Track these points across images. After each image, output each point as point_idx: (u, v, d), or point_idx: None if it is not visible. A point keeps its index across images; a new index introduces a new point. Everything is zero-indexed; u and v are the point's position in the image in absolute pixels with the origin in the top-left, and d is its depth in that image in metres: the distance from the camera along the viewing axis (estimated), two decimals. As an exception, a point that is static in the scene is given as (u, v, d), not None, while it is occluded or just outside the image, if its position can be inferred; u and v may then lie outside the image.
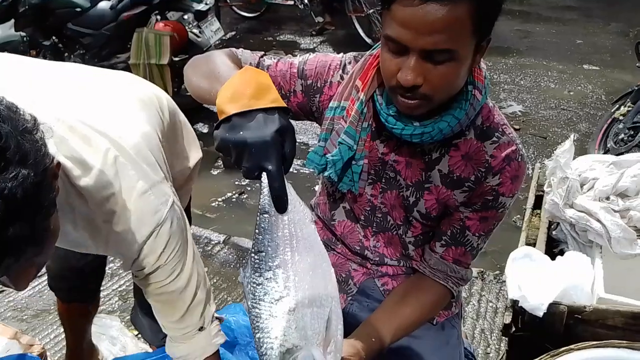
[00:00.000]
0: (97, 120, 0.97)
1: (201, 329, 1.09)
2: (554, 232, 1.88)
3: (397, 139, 1.07)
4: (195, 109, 4.21)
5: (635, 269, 1.66)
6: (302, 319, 0.80)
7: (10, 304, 2.46)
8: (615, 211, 1.68)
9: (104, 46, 4.05)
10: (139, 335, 2.01)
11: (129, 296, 2.44)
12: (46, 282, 1.69)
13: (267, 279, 0.80)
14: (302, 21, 6.29)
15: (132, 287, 1.59)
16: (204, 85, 0.96)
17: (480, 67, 1.03)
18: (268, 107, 0.76)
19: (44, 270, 1.62)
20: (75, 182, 0.91)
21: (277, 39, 6.09)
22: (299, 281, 0.80)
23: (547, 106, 4.37)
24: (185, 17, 4.08)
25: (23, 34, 4.01)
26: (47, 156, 0.74)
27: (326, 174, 1.10)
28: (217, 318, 1.14)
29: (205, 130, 4.08)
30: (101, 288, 2.47)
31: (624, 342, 1.29)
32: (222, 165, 3.64)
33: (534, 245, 1.75)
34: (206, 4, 4.08)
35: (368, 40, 5.40)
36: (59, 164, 0.80)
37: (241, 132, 0.74)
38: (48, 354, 1.79)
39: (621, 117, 3.12)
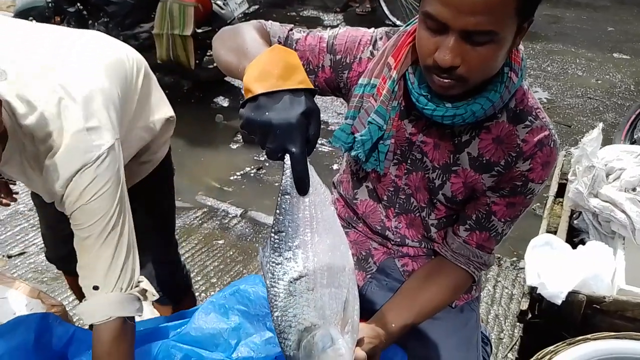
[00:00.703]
0: (54, 68, 1.06)
1: (95, 287, 1.07)
2: (575, 222, 1.85)
3: (426, 119, 1.05)
4: (217, 82, 4.22)
5: (658, 262, 1.63)
6: (321, 299, 0.81)
7: (30, 266, 2.53)
8: (641, 203, 1.65)
9: (127, 15, 4.04)
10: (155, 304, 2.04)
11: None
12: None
13: (286, 258, 0.81)
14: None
15: None
16: (232, 59, 0.95)
17: (518, 49, 0.99)
18: (295, 89, 0.75)
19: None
20: (21, 120, 1.01)
21: (301, 14, 6.03)
22: (317, 262, 0.81)
23: (574, 94, 4.28)
24: (210, -12, 4.04)
25: (48, -1, 4.02)
26: None
27: (353, 153, 1.08)
28: (144, 294, 1.12)
29: (225, 104, 4.08)
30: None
31: (643, 334, 1.28)
32: (241, 140, 3.65)
33: (554, 233, 1.73)
34: (231, -25, 4.04)
35: (393, 19, 5.31)
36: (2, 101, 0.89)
37: (267, 113, 0.74)
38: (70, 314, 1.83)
39: (651, 108, 3.04)
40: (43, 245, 2.63)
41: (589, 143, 1.79)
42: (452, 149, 1.07)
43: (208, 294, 2.39)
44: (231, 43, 0.98)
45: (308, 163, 0.79)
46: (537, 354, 1.26)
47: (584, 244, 1.67)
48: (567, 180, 1.90)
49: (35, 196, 1.32)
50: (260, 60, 0.79)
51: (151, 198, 1.49)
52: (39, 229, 2.71)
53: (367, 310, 1.13)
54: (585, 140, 1.82)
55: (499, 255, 2.54)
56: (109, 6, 4.02)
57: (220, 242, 2.73)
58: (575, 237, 1.83)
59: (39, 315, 1.26)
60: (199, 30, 3.86)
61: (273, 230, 0.82)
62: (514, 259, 2.55)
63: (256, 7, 6.07)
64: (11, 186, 1.46)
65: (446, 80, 0.92)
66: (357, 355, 0.88)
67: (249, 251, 2.66)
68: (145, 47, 3.88)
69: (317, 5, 6.17)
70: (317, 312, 0.81)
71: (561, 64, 4.81)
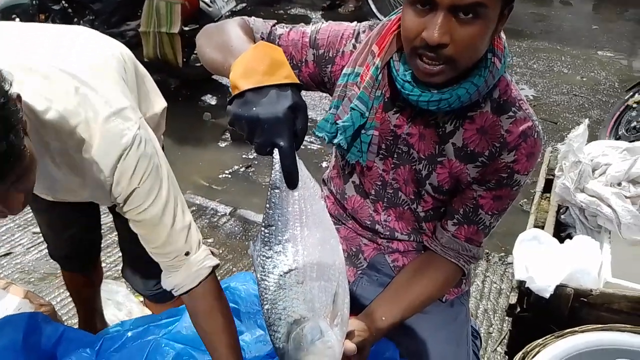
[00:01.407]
0: (57, 60, 1.03)
1: (187, 254, 1.11)
2: (562, 217, 1.87)
3: (411, 109, 1.05)
4: (204, 80, 4.20)
5: (643, 255, 1.66)
6: (310, 292, 0.82)
7: (17, 267, 2.49)
8: (626, 197, 1.67)
9: (113, 12, 3.99)
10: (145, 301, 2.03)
11: (134, 263, 2.46)
12: (52, 246, 1.71)
13: (276, 252, 0.82)
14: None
15: (118, 241, 1.65)
16: (217, 57, 0.95)
17: (500, 37, 1.01)
18: (281, 84, 0.76)
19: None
20: (42, 117, 0.96)
21: (289, 12, 6.01)
22: (307, 255, 0.82)
23: (559, 91, 4.32)
24: (197, -15, 4.02)
25: (32, -4, 3.97)
26: (5, 81, 0.79)
27: (335, 141, 1.08)
28: (210, 252, 1.16)
29: (213, 102, 4.06)
30: (107, 255, 2.53)
31: (628, 326, 1.30)
32: (229, 138, 3.64)
33: (542, 228, 1.75)
34: (218, -27, 4.01)
35: (380, 17, 5.32)
36: (19, 95, 0.84)
37: (254, 108, 0.74)
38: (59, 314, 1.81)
39: (635, 105, 3.08)
40: (30, 245, 2.63)
41: (575, 139, 1.82)
42: (437, 139, 1.07)
43: (198, 292, 2.38)
44: (215, 41, 0.98)
45: (297, 157, 0.80)
46: (526, 347, 1.27)
47: (571, 238, 1.69)
48: (553, 175, 1.92)
49: (35, 201, 1.31)
50: (246, 57, 0.80)
51: None
52: (25, 229, 2.69)
53: (358, 306, 1.13)
54: (571, 136, 1.84)
55: (487, 251, 2.56)
56: (94, 4, 3.97)
57: (210, 240, 2.72)
58: (562, 232, 1.85)
59: (27, 314, 1.24)
60: (186, 28, 3.83)
61: (263, 224, 0.83)
62: (502, 254, 2.58)
63: (243, 5, 6.02)
64: None
65: (433, 67, 0.92)
66: (347, 347, 0.89)
67: (239, 249, 2.65)
68: (131, 45, 3.81)
69: (304, 3, 6.16)
70: (307, 305, 0.82)
71: (547, 62, 4.86)
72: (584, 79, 4.55)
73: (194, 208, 2.95)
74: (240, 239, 2.73)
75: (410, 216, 1.19)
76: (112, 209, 1.48)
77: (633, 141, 2.35)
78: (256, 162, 3.40)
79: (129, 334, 1.26)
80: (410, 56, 0.96)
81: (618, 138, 3.06)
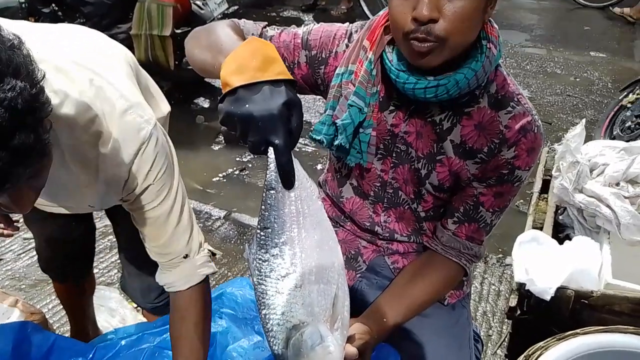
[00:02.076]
0: (68, 51, 0.99)
1: (186, 256, 1.10)
2: (560, 217, 1.86)
3: (407, 107, 1.03)
4: (197, 83, 4.17)
5: (643, 255, 1.64)
6: (309, 296, 0.79)
7: (8, 273, 2.45)
8: (625, 197, 1.66)
9: (104, 15, 3.96)
10: (139, 308, 2.00)
11: (128, 269, 2.42)
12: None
13: (273, 255, 0.79)
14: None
15: (118, 251, 1.60)
16: (206, 57, 0.92)
17: (493, 25, 1.00)
18: (274, 80, 0.73)
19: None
20: (57, 111, 0.91)
21: (281, 14, 6.00)
22: (305, 258, 0.79)
23: (553, 92, 4.33)
24: (189, -12, 4.00)
25: (22, 0, 3.92)
26: (38, 70, 0.75)
27: (336, 142, 1.05)
28: (211, 252, 1.15)
29: (206, 105, 4.03)
30: (100, 260, 2.49)
31: (630, 327, 1.29)
32: (223, 141, 3.61)
33: (540, 229, 1.73)
34: (210, -25, 3.99)
35: (371, 17, 5.32)
36: (42, 87, 0.81)
37: (247, 105, 0.71)
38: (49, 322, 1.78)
39: (629, 105, 3.09)
40: (20, 251, 2.58)
41: (573, 139, 1.81)
42: (434, 137, 1.05)
43: (192, 298, 2.35)
44: (205, 41, 0.96)
45: (293, 156, 0.77)
46: (528, 349, 1.26)
47: (569, 239, 1.68)
48: (551, 176, 1.91)
49: (31, 211, 1.28)
50: (237, 53, 0.77)
51: None
52: (16, 235, 2.65)
53: (358, 310, 1.11)
54: (568, 136, 1.83)
55: (485, 252, 2.55)
56: (85, 7, 3.93)
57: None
58: (560, 233, 1.84)
59: (17, 324, 1.21)
60: (178, 31, 3.81)
61: (259, 226, 0.80)
62: (500, 255, 2.57)
63: (236, 7, 6.02)
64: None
65: (425, 44, 0.90)
66: (348, 351, 0.87)
67: (234, 253, 2.62)
68: (123, 48, 3.81)
69: (297, 6, 6.15)
70: (306, 310, 0.79)
71: (539, 63, 4.87)
72: (577, 80, 4.57)
73: (188, 212, 2.91)
74: (236, 243, 2.70)
75: (411, 216, 1.17)
76: (111, 215, 1.45)
77: (628, 141, 2.36)
78: (250, 165, 3.37)
79: (123, 342, 1.23)
80: (402, 42, 0.94)
81: (613, 138, 3.06)
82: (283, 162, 0.75)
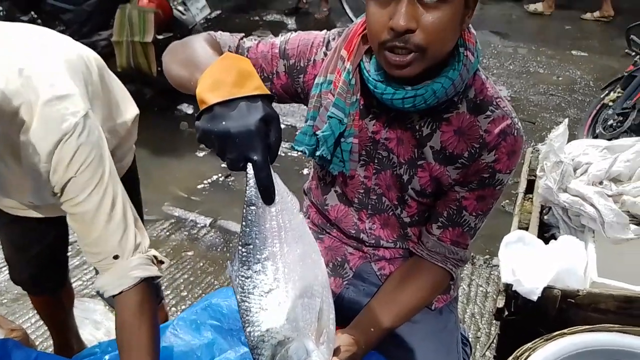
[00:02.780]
0: (12, 49, 1.00)
1: (116, 257, 1.06)
2: (545, 217, 1.87)
3: (386, 114, 1.03)
4: (181, 89, 4.14)
5: (628, 253, 1.66)
6: (293, 311, 0.79)
7: (-12, 288, 2.40)
8: (608, 196, 1.67)
9: (85, 22, 3.92)
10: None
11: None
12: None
13: (255, 271, 0.78)
14: (289, 1, 6.18)
15: None
16: (183, 73, 0.92)
17: (471, 32, 0.99)
18: (251, 95, 0.73)
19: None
20: None
21: (264, 18, 5.98)
22: (288, 273, 0.79)
23: (536, 91, 4.37)
24: (170, -7, 3.97)
25: (0, 7, 3.87)
26: None
27: (318, 153, 1.06)
28: (157, 259, 1.11)
29: (190, 111, 4.00)
30: (84, 272, 2.45)
31: (616, 326, 1.30)
32: (207, 148, 3.58)
33: (526, 229, 1.74)
34: (192, -20, 3.97)
35: (353, 18, 5.33)
36: None
37: (224, 122, 0.71)
38: (31, 337, 1.74)
39: (611, 103, 3.13)
40: (1, 265, 2.53)
41: (556, 139, 1.82)
42: (415, 142, 1.05)
43: (179, 308, 2.32)
44: (181, 57, 0.95)
45: (272, 171, 0.76)
46: (516, 351, 1.26)
47: (555, 238, 1.68)
48: (535, 176, 1.92)
49: None
50: (213, 69, 0.76)
51: None
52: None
53: (346, 318, 1.10)
54: (552, 136, 1.84)
55: (472, 254, 2.55)
56: (64, 14, 3.89)
57: (190, 253, 2.66)
58: (546, 232, 1.84)
59: (-5, 342, 1.18)
60: (160, 37, 3.78)
61: (240, 243, 0.79)
62: (487, 256, 2.57)
63: (218, 12, 5.99)
64: None
65: (403, 57, 0.89)
66: None
67: (220, 261, 2.60)
68: (104, 55, 3.75)
69: (279, 10, 6.14)
70: (290, 325, 0.79)
71: (522, 62, 4.91)
72: (560, 79, 4.62)
73: (173, 220, 2.88)
74: (222, 251, 2.68)
75: (395, 222, 1.17)
76: None
77: (610, 139, 2.38)
78: (235, 172, 3.35)
79: (106, 357, 1.20)
80: (379, 52, 0.93)
81: (596, 136, 3.09)
82: (262, 178, 0.75)
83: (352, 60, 1.00)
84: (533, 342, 1.28)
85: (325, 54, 1.06)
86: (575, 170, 1.80)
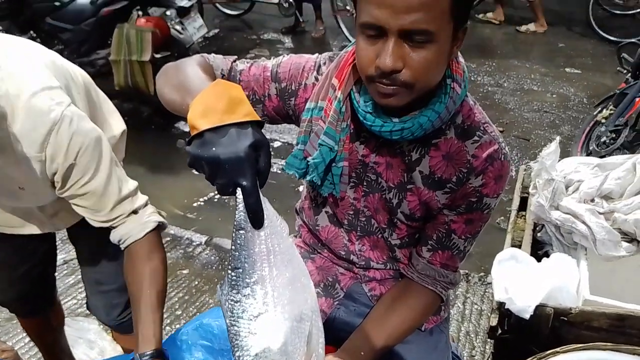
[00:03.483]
0: None
1: (135, 212, 1.16)
2: (538, 234, 1.88)
3: (376, 139, 1.05)
4: (178, 107, 4.16)
5: (619, 270, 1.66)
6: (282, 335, 0.79)
7: (-18, 307, 2.39)
8: (600, 213, 1.68)
9: (83, 42, 3.96)
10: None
11: (107, 298, 2.37)
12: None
13: (244, 295, 0.78)
14: (286, 20, 6.25)
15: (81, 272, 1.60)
16: (175, 97, 0.93)
17: (459, 61, 1.00)
18: (241, 122, 0.74)
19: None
20: None
21: (261, 37, 6.04)
22: (277, 297, 0.79)
23: (530, 109, 4.41)
24: (168, 13, 4.01)
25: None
26: None
27: (308, 178, 1.07)
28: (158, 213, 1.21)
29: (187, 129, 3.95)
30: (78, 291, 2.44)
31: (609, 344, 1.29)
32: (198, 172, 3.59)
33: (519, 247, 1.74)
34: (189, 0, 4.02)
35: (350, 38, 5.40)
36: None
37: (214, 149, 0.72)
38: (24, 358, 1.73)
39: (603, 120, 3.15)
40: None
41: (547, 156, 1.83)
42: (404, 167, 1.06)
43: (173, 327, 2.31)
44: (174, 80, 0.96)
45: (261, 195, 0.77)
46: (509, 371, 1.25)
47: (547, 256, 1.69)
48: (528, 194, 1.93)
49: None
50: (204, 95, 0.77)
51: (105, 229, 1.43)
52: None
53: (336, 338, 1.10)
54: (543, 154, 1.86)
55: (466, 271, 2.55)
56: (63, 33, 3.93)
57: (185, 271, 2.65)
58: (539, 250, 1.85)
59: (-15, 363, 1.17)
60: (158, 56, 3.82)
61: (230, 267, 0.80)
62: (482, 274, 2.57)
63: (216, 30, 6.06)
64: None
65: (390, 87, 0.91)
66: None
67: (215, 280, 2.59)
68: (102, 74, 3.80)
69: (277, 28, 6.20)
70: (279, 349, 0.78)
71: (517, 80, 4.96)
72: (554, 96, 4.66)
73: (168, 238, 2.88)
74: (217, 269, 2.67)
75: (384, 245, 1.17)
76: (71, 234, 1.43)
77: (604, 156, 2.40)
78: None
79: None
80: (368, 84, 0.95)
81: (589, 153, 3.11)
82: (251, 203, 0.75)
83: (342, 89, 1.02)
84: (526, 361, 1.27)
85: (317, 79, 1.08)
86: (567, 187, 1.81)
